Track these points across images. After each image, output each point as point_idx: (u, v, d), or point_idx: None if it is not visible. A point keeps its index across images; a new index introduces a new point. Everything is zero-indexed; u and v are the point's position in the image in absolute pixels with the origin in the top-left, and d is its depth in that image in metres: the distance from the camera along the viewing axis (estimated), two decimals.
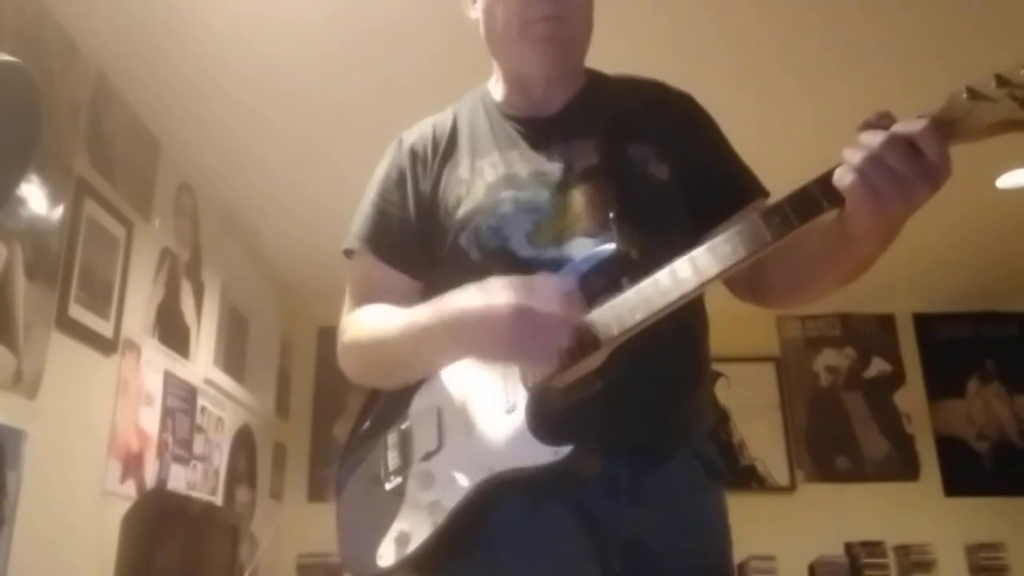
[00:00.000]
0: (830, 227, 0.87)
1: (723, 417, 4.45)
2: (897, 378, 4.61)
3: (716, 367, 4.42)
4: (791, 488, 4.39)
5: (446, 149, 1.18)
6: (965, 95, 0.76)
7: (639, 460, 1.01)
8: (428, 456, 1.01)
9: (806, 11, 2.32)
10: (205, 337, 3.22)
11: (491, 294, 0.92)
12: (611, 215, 1.02)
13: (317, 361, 4.38)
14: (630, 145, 1.11)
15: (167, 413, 2.81)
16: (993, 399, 4.58)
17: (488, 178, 1.11)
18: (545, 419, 0.94)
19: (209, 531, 2.83)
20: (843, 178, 0.80)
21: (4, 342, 1.93)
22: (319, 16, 2.29)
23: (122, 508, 2.36)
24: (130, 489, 2.50)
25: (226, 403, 3.44)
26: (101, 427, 2.39)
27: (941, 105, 0.78)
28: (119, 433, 2.46)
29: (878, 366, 4.64)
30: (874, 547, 4.10)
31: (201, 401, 3.13)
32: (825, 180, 0.82)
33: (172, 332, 2.91)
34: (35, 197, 2.08)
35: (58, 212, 2.19)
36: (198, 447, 3.08)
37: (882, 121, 0.80)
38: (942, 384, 4.59)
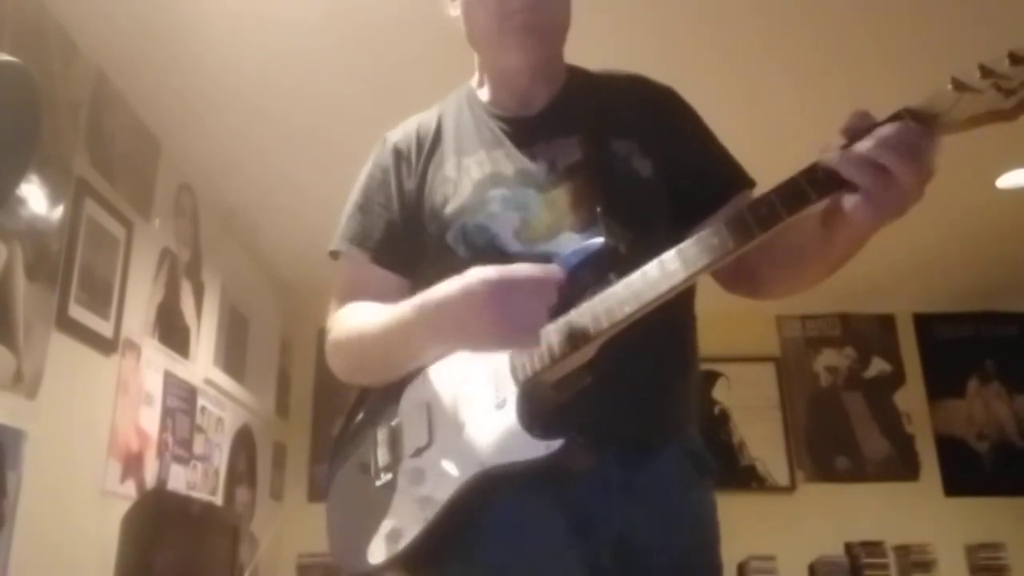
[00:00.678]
0: (815, 221, 0.88)
1: (723, 417, 4.46)
2: (897, 378, 4.62)
3: (716, 367, 4.44)
4: (791, 488, 4.39)
5: (431, 148, 1.18)
6: (950, 86, 0.76)
7: (629, 455, 1.01)
8: (418, 452, 1.01)
9: (796, 3, 2.33)
10: (205, 337, 3.22)
11: (468, 278, 0.92)
12: (598, 210, 1.03)
13: (317, 361, 4.37)
14: (614, 141, 1.11)
15: (167, 413, 2.81)
16: (993, 399, 4.58)
17: (474, 176, 1.12)
18: (536, 414, 0.94)
19: (209, 531, 2.83)
20: (857, 210, 0.80)
21: (4, 342, 1.93)
22: (319, 15, 2.30)
23: (122, 508, 2.36)
24: (130, 489, 2.50)
25: (226, 403, 3.44)
26: (101, 427, 2.39)
27: (926, 97, 0.78)
28: (119, 433, 2.46)
29: (878, 366, 4.64)
30: (874, 547, 4.10)
31: (201, 401, 3.13)
32: (812, 172, 0.82)
33: (172, 332, 2.91)
34: (35, 197, 2.08)
35: (58, 212, 2.19)
36: (198, 447, 3.08)
37: (862, 122, 0.80)
38: (942, 384, 4.59)
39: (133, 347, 2.58)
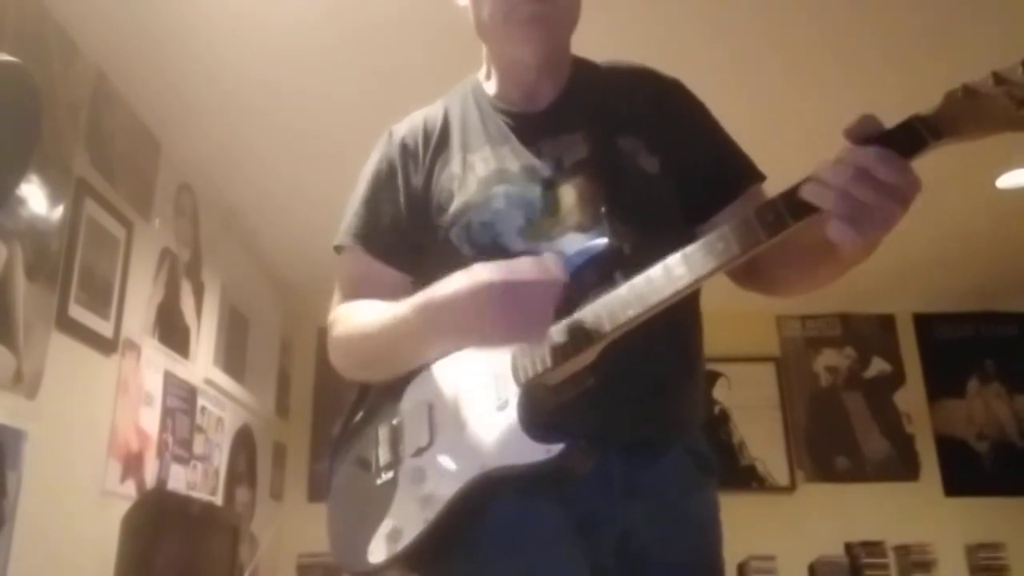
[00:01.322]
0: (823, 229, 0.87)
1: (723, 417, 4.46)
2: (897, 378, 4.62)
3: (716, 367, 4.43)
4: (791, 488, 4.39)
5: (437, 143, 1.17)
6: (961, 94, 0.75)
7: (632, 455, 1.01)
8: (419, 452, 1.01)
9: (804, 5, 2.32)
10: (205, 337, 3.22)
11: (473, 275, 0.91)
12: (603, 210, 1.02)
13: (317, 361, 4.38)
14: (620, 138, 1.10)
15: (167, 413, 2.81)
16: (993, 399, 4.58)
17: (480, 173, 1.11)
18: (537, 416, 0.93)
19: (209, 531, 2.83)
20: (837, 231, 0.79)
21: (4, 342, 1.93)
22: (319, 15, 2.29)
23: (122, 508, 2.36)
24: (130, 489, 2.50)
25: (226, 403, 3.44)
26: (101, 427, 2.38)
27: (938, 104, 0.77)
28: (119, 433, 2.46)
29: (878, 366, 4.64)
30: (874, 547, 4.10)
31: (201, 401, 3.13)
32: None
33: (172, 332, 2.91)
34: (35, 197, 2.08)
35: (58, 212, 2.19)
36: (198, 447, 3.08)
37: (866, 127, 0.79)
38: (942, 384, 4.59)
39: (133, 347, 2.58)
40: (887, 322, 4.71)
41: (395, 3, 2.25)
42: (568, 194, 1.06)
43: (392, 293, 1.11)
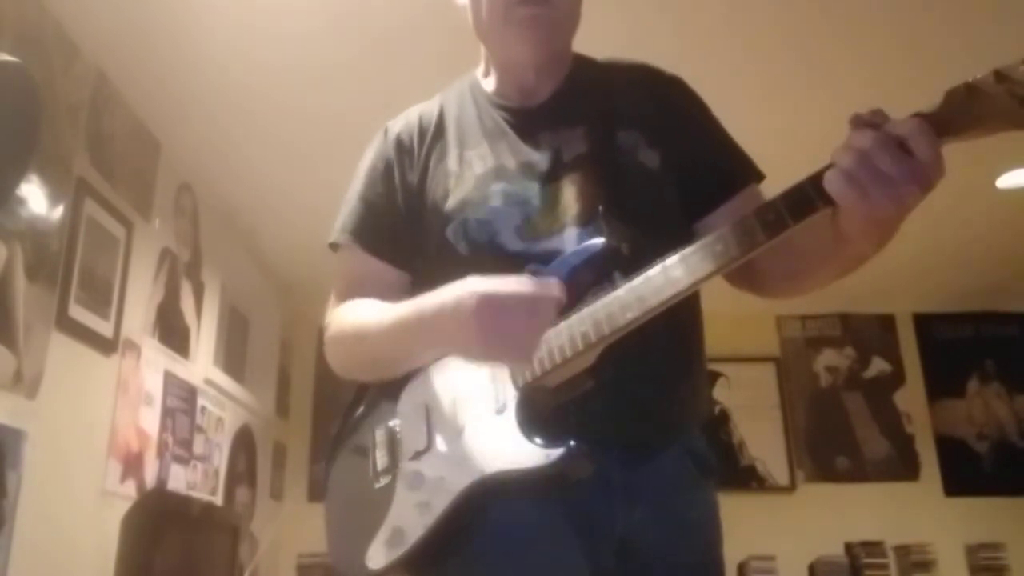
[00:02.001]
0: (824, 225, 0.85)
1: (723, 417, 4.46)
2: (897, 378, 4.62)
3: (716, 367, 4.43)
4: (791, 488, 4.39)
5: (433, 139, 1.15)
6: (963, 92, 0.74)
7: (632, 457, 1.00)
8: (417, 455, 1.00)
9: (820, 2, 2.32)
10: (205, 337, 3.22)
11: (462, 289, 0.91)
12: (601, 208, 1.01)
13: (317, 361, 4.37)
14: (619, 132, 1.09)
15: (167, 413, 2.81)
16: (993, 399, 4.58)
17: (477, 170, 1.10)
18: (536, 419, 0.92)
19: (209, 531, 2.83)
20: (833, 183, 0.77)
21: (4, 342, 1.93)
22: (320, 15, 2.29)
23: (122, 508, 2.35)
24: (130, 489, 2.50)
25: (226, 403, 3.44)
26: (101, 427, 2.38)
27: (939, 102, 0.76)
28: (119, 433, 2.46)
29: (878, 366, 4.64)
30: (874, 547, 4.10)
31: (201, 401, 3.13)
32: (819, 178, 0.80)
33: (172, 332, 2.91)
34: (35, 197, 2.08)
35: (58, 212, 2.19)
36: (198, 447, 3.08)
37: (874, 118, 0.78)
38: (942, 384, 4.59)
39: (133, 347, 2.58)
40: (887, 322, 4.70)
41: (396, 7, 2.25)
42: (566, 191, 1.05)
43: (390, 291, 1.11)
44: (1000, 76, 0.72)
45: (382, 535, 0.98)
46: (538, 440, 0.91)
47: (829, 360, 4.66)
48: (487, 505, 0.93)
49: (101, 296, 2.40)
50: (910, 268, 3.96)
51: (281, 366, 4.26)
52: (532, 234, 1.03)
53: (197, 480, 3.06)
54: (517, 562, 0.93)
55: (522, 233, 1.04)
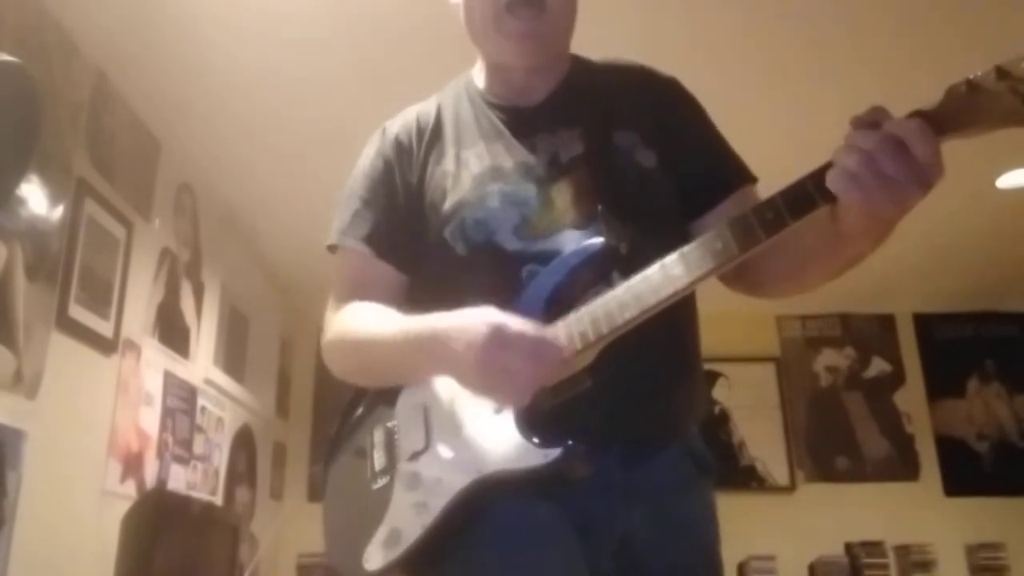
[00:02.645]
0: (823, 223, 0.86)
1: (723, 417, 4.46)
2: (897, 378, 4.62)
3: (716, 367, 4.43)
4: (791, 488, 4.39)
5: (431, 139, 1.15)
6: (964, 89, 0.74)
7: (631, 457, 1.00)
8: (415, 456, 0.99)
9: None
10: (205, 337, 3.22)
11: (473, 320, 0.90)
12: (599, 207, 1.01)
13: (317, 361, 4.37)
14: (616, 133, 1.09)
15: (167, 413, 2.81)
16: (993, 399, 4.58)
17: (474, 170, 1.09)
18: (534, 420, 0.92)
19: (209, 531, 2.83)
20: (836, 182, 0.77)
21: (4, 342, 1.93)
22: (321, 15, 2.29)
23: (122, 508, 2.35)
24: (130, 489, 2.50)
25: (226, 403, 3.44)
26: (101, 427, 2.38)
27: (940, 99, 0.76)
28: (119, 433, 2.46)
29: (878, 366, 4.64)
30: (874, 547, 4.10)
31: (201, 401, 3.13)
32: (819, 175, 0.80)
33: (172, 332, 2.91)
34: (35, 197, 2.08)
35: (58, 212, 2.19)
36: (198, 447, 3.08)
37: (875, 116, 0.78)
38: (942, 384, 4.59)
39: (133, 347, 2.58)
40: (887, 322, 4.70)
41: (405, 6, 2.25)
42: (564, 191, 1.05)
43: (389, 292, 1.10)
44: (1002, 73, 0.72)
45: (380, 536, 0.98)
46: (536, 440, 0.90)
47: (829, 360, 4.66)
48: (485, 505, 0.93)
49: (101, 296, 2.40)
50: (910, 268, 3.96)
51: (281, 366, 4.26)
52: (530, 234, 1.03)
53: (197, 480, 3.06)
54: (515, 563, 0.92)
55: (520, 233, 1.03)
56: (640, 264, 0.89)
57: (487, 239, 1.04)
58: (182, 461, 2.93)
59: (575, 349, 0.90)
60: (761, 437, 4.45)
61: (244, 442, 3.66)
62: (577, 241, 0.99)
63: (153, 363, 2.73)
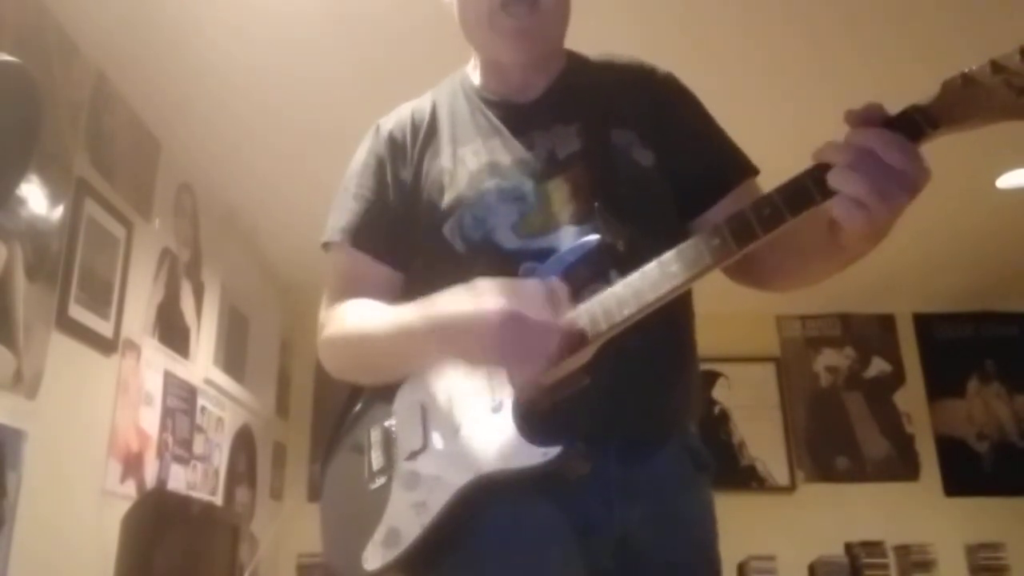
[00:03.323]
0: (819, 224, 0.86)
1: (723, 417, 4.46)
2: (897, 378, 4.62)
3: (716, 367, 4.43)
4: (791, 488, 4.39)
5: (426, 136, 1.14)
6: (960, 83, 0.74)
7: (629, 455, 1.00)
8: (413, 455, 0.99)
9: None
10: (205, 337, 3.22)
11: (480, 298, 0.89)
12: (596, 205, 1.00)
13: (317, 361, 4.32)
14: (613, 130, 1.08)
15: (167, 413, 2.81)
16: (993, 399, 4.58)
17: (471, 167, 1.09)
18: (533, 418, 0.92)
19: (209, 531, 2.83)
20: (836, 206, 0.78)
21: (4, 342, 1.93)
22: (322, 14, 2.29)
23: (122, 508, 2.35)
24: (130, 489, 2.50)
25: (226, 403, 3.44)
26: (101, 427, 2.38)
27: (935, 93, 0.76)
28: (119, 433, 2.46)
29: (878, 366, 4.64)
30: (874, 547, 4.10)
31: (201, 401, 3.13)
32: (817, 171, 0.80)
33: (172, 332, 2.91)
34: (35, 197, 2.08)
35: (58, 212, 2.19)
36: (198, 447, 3.08)
37: (869, 113, 0.78)
38: (942, 384, 4.59)
39: (133, 347, 2.58)
40: (887, 322, 4.70)
41: (406, 7, 2.25)
42: (561, 188, 1.04)
43: (384, 289, 1.10)
44: (996, 67, 0.72)
45: (378, 536, 0.97)
46: (535, 438, 0.90)
47: (829, 360, 4.66)
48: (484, 505, 0.92)
49: (101, 296, 2.40)
50: (910, 268, 3.96)
51: (281, 366, 4.26)
52: (528, 231, 1.03)
53: (197, 480, 3.06)
54: (514, 562, 0.92)
55: (518, 230, 1.03)
56: (637, 262, 0.89)
57: (485, 236, 1.04)
58: (182, 461, 2.93)
59: (585, 330, 0.89)
60: (761, 437, 4.45)
61: (244, 442, 3.66)
62: (574, 238, 0.98)
63: (153, 363, 2.73)
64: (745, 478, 4.39)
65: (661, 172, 1.08)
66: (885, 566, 4.09)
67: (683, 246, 0.87)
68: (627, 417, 0.99)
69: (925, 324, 4.68)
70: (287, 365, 4.36)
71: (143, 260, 2.69)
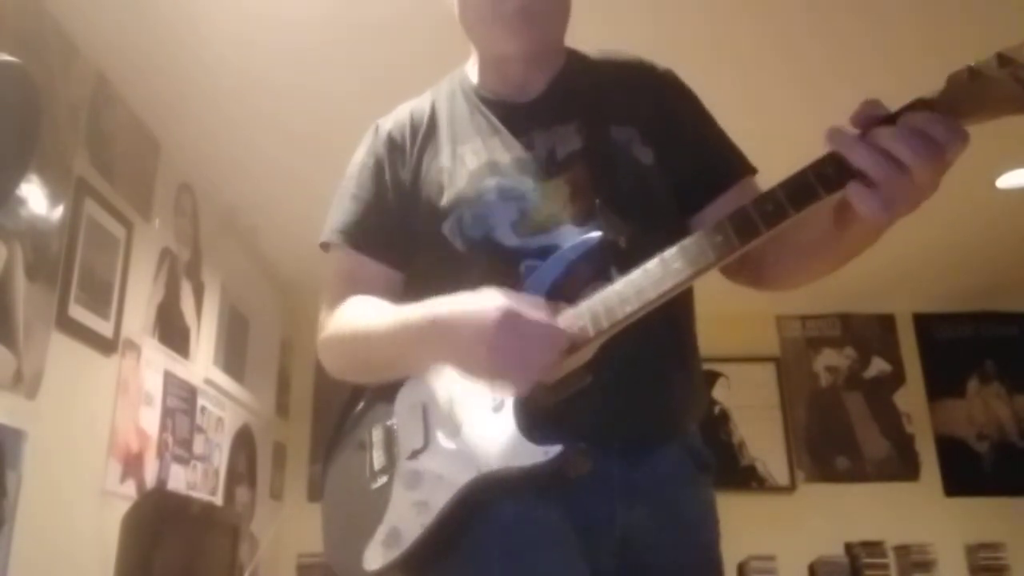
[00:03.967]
0: (822, 218, 0.85)
1: (723, 417, 4.46)
2: (897, 378, 4.61)
3: (716, 367, 4.43)
4: (791, 488, 4.39)
5: (425, 135, 1.14)
6: (966, 76, 0.73)
7: (631, 454, 0.99)
8: (414, 455, 0.99)
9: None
10: (205, 337, 3.22)
11: (484, 303, 0.89)
12: (597, 202, 1.00)
13: (317, 361, 4.33)
14: (613, 128, 1.08)
15: (167, 413, 2.81)
16: (993, 399, 4.58)
17: (470, 165, 1.08)
18: (534, 417, 0.92)
19: (209, 531, 2.83)
20: (860, 197, 0.76)
21: (4, 342, 1.93)
22: (320, 14, 2.29)
23: (122, 508, 2.35)
24: (130, 489, 2.50)
25: (226, 403, 3.44)
26: (101, 427, 2.38)
27: (942, 87, 0.75)
28: (119, 433, 2.46)
29: (878, 366, 4.64)
30: (874, 547, 4.10)
31: (201, 401, 3.13)
32: (821, 165, 0.79)
33: (172, 332, 2.91)
34: (35, 197, 2.08)
35: (58, 212, 2.19)
36: (198, 447, 3.08)
37: (871, 110, 0.77)
38: (942, 384, 4.59)
39: (133, 347, 2.58)
40: (887, 322, 4.70)
41: (397, 2, 2.25)
42: (561, 186, 1.04)
43: (383, 289, 1.10)
44: (1003, 59, 0.71)
45: (379, 535, 0.97)
46: (536, 437, 0.90)
47: (829, 360, 4.66)
48: (485, 504, 0.92)
49: (101, 296, 2.40)
50: (910, 268, 3.96)
51: (281, 366, 4.26)
52: (528, 230, 1.02)
53: (197, 480, 3.06)
54: (515, 562, 0.91)
55: (518, 229, 1.03)
56: (638, 259, 0.89)
57: (485, 235, 1.03)
58: (182, 461, 2.93)
59: (588, 336, 0.89)
60: (761, 437, 4.45)
61: (244, 442, 3.66)
62: (575, 236, 0.98)
63: (153, 363, 2.73)
64: (745, 478, 4.38)
65: (661, 169, 1.08)
66: (885, 566, 4.09)
67: (685, 242, 0.86)
68: (629, 416, 0.99)
69: (925, 324, 4.68)
70: (287, 365, 4.36)
71: (143, 260, 2.69)
